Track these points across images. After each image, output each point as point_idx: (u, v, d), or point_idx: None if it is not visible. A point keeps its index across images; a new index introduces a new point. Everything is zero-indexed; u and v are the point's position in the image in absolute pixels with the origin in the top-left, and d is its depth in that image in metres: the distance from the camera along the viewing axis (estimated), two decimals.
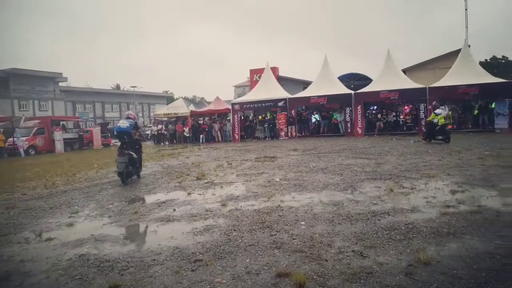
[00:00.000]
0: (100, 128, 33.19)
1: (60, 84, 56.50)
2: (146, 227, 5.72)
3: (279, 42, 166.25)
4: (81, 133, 31.32)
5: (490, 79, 21.20)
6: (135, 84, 66.29)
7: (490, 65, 39.85)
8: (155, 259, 4.22)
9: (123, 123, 10.02)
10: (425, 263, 3.61)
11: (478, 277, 3.29)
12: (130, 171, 10.03)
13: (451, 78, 21.73)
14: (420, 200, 6.12)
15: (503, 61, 45.62)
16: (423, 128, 19.76)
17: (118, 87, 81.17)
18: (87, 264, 4.21)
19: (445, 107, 22.29)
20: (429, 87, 21.36)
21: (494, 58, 46.34)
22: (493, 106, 20.82)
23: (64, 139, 28.05)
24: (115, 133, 10.97)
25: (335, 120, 25.27)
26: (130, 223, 5.95)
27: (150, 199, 7.75)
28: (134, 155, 10.00)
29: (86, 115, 53.92)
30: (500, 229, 4.49)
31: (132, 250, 4.61)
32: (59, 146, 27.04)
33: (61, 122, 31.43)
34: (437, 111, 16.16)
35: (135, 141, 10.53)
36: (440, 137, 15.54)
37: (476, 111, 22.01)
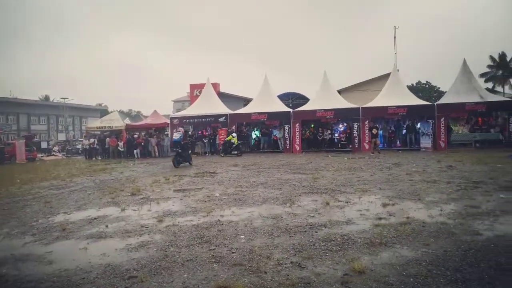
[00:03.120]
0: (24, 141, 30.81)
1: None
2: (75, 244, 5.33)
3: (218, 59, 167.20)
4: (2, 145, 28.83)
5: (416, 101, 22.91)
6: (66, 96, 61.60)
7: (416, 89, 43.31)
8: (84, 278, 3.94)
9: (176, 136, 17.06)
10: (359, 271, 3.75)
11: (407, 283, 3.48)
12: (179, 160, 16.27)
13: (382, 99, 23.14)
14: (355, 213, 6.37)
15: (427, 86, 49.88)
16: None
17: (47, 98, 75.91)
18: (6, 286, 3.83)
19: (378, 125, 23.74)
20: (362, 107, 22.56)
21: (419, 82, 50.50)
22: (418, 126, 22.45)
23: None
24: (173, 143, 17.54)
25: (275, 136, 25.70)
26: (57, 240, 5.53)
27: (80, 215, 7.28)
28: (180, 151, 16.36)
29: (9, 127, 49.99)
30: (426, 238, 4.79)
31: (58, 269, 4.26)
32: None
33: None
34: (234, 134, 22.33)
35: (186, 144, 17.30)
36: (235, 152, 21.69)
37: (404, 131, 23.61)
